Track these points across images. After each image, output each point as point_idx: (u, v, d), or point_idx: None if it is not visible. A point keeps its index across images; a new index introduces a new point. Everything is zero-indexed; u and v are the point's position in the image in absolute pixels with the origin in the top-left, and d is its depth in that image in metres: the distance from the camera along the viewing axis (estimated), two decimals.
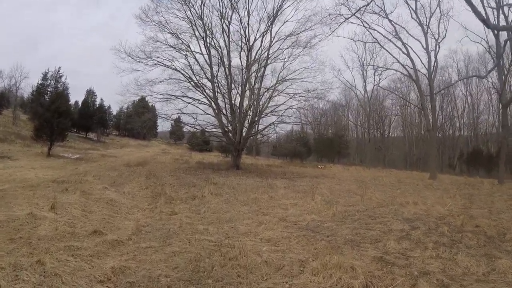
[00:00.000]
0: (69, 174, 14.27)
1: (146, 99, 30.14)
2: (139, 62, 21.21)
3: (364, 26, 24.87)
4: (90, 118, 46.52)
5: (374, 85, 43.94)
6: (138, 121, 26.26)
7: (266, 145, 46.23)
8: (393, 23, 24.27)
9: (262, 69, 22.79)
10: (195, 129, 25.23)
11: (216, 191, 11.35)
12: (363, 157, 56.58)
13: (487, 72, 17.65)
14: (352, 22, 26.25)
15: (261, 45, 22.35)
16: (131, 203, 9.11)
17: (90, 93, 52.21)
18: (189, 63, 21.97)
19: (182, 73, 21.90)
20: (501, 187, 17.53)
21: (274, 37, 22.25)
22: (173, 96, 21.91)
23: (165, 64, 21.70)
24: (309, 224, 6.87)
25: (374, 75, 39.04)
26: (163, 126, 66.68)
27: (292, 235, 5.84)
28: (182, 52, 21.92)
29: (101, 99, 54.95)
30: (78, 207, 7.56)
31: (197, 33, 21.95)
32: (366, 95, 43.49)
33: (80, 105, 50.40)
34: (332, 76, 32.22)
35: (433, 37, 23.71)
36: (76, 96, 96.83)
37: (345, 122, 56.29)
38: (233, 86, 22.59)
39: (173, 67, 21.76)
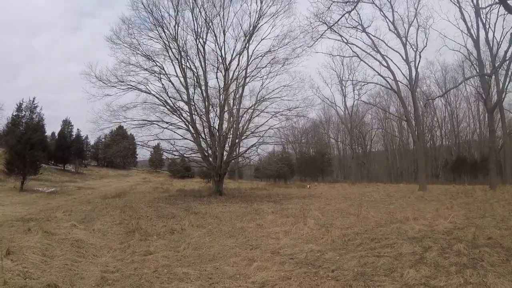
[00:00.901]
0: (39, 211, 13.17)
1: (124, 128, 28.74)
2: (111, 86, 20.10)
3: (342, 41, 24.83)
4: (67, 150, 45.21)
5: (354, 101, 44.04)
6: (115, 150, 24.79)
7: (249, 168, 45.27)
8: (371, 36, 24.26)
9: (241, 89, 22.08)
10: (173, 156, 24.02)
11: (198, 222, 10.21)
12: (346, 174, 56.32)
13: (492, 70, 17.28)
14: (329, 38, 26.35)
15: (238, 65, 21.73)
16: (101, 243, 7.88)
17: (67, 124, 50.22)
18: (163, 86, 21.02)
19: (157, 97, 20.87)
20: (495, 193, 17.07)
21: (251, 56, 21.69)
22: (148, 122, 20.80)
23: (138, 88, 20.63)
24: (307, 256, 5.85)
25: (354, 90, 39.01)
26: (142, 154, 64.75)
27: (291, 274, 4.78)
28: (156, 75, 20.98)
29: (78, 129, 53.42)
30: (38, 252, 6.33)
31: (171, 55, 21.16)
32: (346, 111, 43.42)
33: (56, 136, 49.05)
34: (311, 94, 31.48)
35: (411, 48, 23.72)
36: (55, 127, 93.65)
37: (326, 140, 56.05)
38: (211, 108, 21.71)
39: (147, 91, 20.72)
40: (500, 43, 21.34)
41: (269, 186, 35.00)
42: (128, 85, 20.51)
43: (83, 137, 51.98)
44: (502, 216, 9.74)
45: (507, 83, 19.92)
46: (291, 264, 5.41)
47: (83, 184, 33.37)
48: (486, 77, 20.72)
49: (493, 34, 21.69)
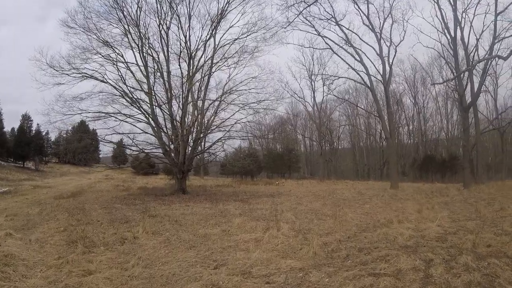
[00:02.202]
0: None
1: (87, 123, 26.38)
2: (64, 74, 17.97)
3: (315, 33, 23.94)
4: (27, 146, 42.06)
5: (323, 97, 43.45)
6: (76, 146, 22.58)
7: (215, 164, 43.70)
8: (344, 29, 23.46)
9: (206, 79, 20.54)
10: (132, 151, 22.13)
11: (154, 228, 8.75)
12: (313, 170, 55.98)
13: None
14: (301, 30, 25.34)
15: (204, 53, 20.15)
16: (35, 258, 6.32)
17: (26, 118, 46.08)
18: (121, 76, 19.01)
19: (115, 87, 18.89)
20: (470, 192, 16.69)
21: (218, 44, 20.22)
22: (105, 114, 18.86)
23: (94, 77, 18.55)
24: (288, 279, 4.57)
25: (324, 85, 38.13)
26: (106, 150, 61.11)
27: None
28: (115, 63, 19.03)
29: (38, 124, 49.33)
30: None
31: (132, 41, 19.25)
32: (315, 107, 42.69)
33: (16, 132, 45.71)
34: (280, 88, 30.21)
35: (385, 44, 23.12)
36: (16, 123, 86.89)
37: (293, 136, 55.38)
38: (174, 100, 20.07)
39: (104, 80, 18.67)
40: (477, 42, 21.32)
41: (235, 183, 33.63)
42: (83, 73, 18.46)
43: (43, 133, 48.06)
44: (491, 219, 9.00)
45: (484, 81, 19.90)
46: None
47: (41, 182, 31.12)
48: (461, 75, 20.54)
49: (469, 33, 21.62)
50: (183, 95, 19.75)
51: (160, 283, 4.75)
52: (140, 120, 19.78)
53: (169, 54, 19.88)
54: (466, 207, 11.70)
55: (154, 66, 19.76)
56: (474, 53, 21.69)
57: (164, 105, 19.30)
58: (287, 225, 8.20)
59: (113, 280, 4.98)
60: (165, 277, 4.95)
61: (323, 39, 24.51)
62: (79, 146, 22.91)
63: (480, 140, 24.13)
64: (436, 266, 4.84)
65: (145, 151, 21.02)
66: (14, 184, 25.81)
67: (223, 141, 20.91)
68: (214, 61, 20.48)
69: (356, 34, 24.37)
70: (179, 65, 19.20)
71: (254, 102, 20.31)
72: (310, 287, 4.27)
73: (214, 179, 44.47)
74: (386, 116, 24.47)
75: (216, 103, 21.22)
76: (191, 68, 19.80)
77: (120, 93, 19.11)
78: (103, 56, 18.67)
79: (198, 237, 7.69)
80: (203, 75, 20.44)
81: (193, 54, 19.60)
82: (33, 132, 46.49)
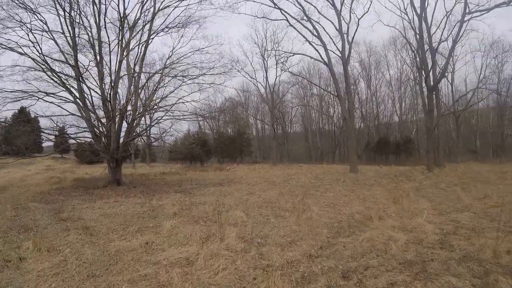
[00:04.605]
0: None
1: (27, 109, 22.18)
2: None
3: (270, 5, 21.66)
4: None
5: (276, 77, 41.45)
6: (15, 136, 18.50)
7: (162, 150, 40.55)
8: (301, 0, 21.35)
9: (142, 50, 17.52)
10: (49, 135, 18.49)
11: (52, 242, 6.21)
12: (266, 154, 54.45)
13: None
14: (255, 1, 22.91)
15: (141, 14, 17.02)
16: None
17: None
18: (39, 45, 15.44)
19: (33, 59, 15.32)
20: (436, 176, 15.64)
21: (158, 8, 17.23)
22: (23, 94, 15.32)
23: (11, 48, 14.88)
24: None
25: (277, 65, 35.85)
26: (48, 140, 54.80)
27: None
28: (38, 33, 15.44)
29: None
30: None
31: (58, 6, 15.73)
32: (268, 88, 40.43)
33: None
34: (228, 64, 27.30)
35: (344, 21, 21.33)
36: None
37: (245, 119, 53.14)
38: (109, 77, 16.90)
39: (23, 52, 15.04)
40: (442, 20, 20.46)
41: (183, 169, 30.99)
42: None
43: None
44: (481, 210, 7.51)
45: (452, 61, 19.06)
46: None
47: None
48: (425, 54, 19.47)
49: (433, 11, 20.56)
50: (115, 68, 16.67)
51: None
52: (67, 100, 16.50)
53: (100, 19, 16.59)
54: (443, 193, 10.34)
55: (82, 33, 16.45)
56: (444, 29, 20.69)
57: (88, 80, 16.09)
58: (235, 229, 6.00)
59: None
60: None
61: (280, 11, 22.22)
62: (18, 134, 18.89)
63: (441, 122, 23.41)
64: None
65: (69, 135, 17.64)
66: None
67: (161, 121, 18.19)
68: (155, 29, 17.57)
69: (315, 7, 22.45)
70: (105, 32, 15.97)
71: (198, 75, 17.66)
72: None
73: (162, 165, 41.34)
74: (345, 96, 22.93)
75: (156, 79, 18.42)
76: (123, 34, 16.67)
77: (41, 66, 15.63)
78: (23, 24, 14.99)
79: (106, 255, 5.28)
80: (139, 44, 17.42)
81: (125, 16, 16.40)
82: None
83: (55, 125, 16.95)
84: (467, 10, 19.03)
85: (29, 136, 18.13)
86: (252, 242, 5.40)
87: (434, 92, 20.53)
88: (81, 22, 16.41)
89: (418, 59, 23.01)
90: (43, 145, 49.65)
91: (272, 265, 4.22)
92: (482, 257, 4.36)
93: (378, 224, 6.16)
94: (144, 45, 17.39)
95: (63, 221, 8.28)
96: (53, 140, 19.78)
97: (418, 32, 20.11)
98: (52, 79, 16.15)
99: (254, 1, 22.63)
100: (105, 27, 16.18)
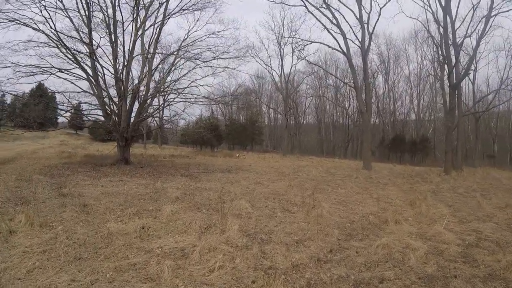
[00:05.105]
0: None
1: (45, 86, 22.05)
2: None
3: None
4: None
5: (291, 66, 40.49)
6: (32, 110, 18.40)
7: (172, 133, 40.33)
8: None
9: (158, 30, 17.06)
10: (66, 112, 18.24)
11: (46, 217, 5.94)
12: (277, 144, 53.88)
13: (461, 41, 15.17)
14: None
15: None
16: None
17: None
18: (51, 23, 15.07)
19: (48, 36, 14.95)
20: (454, 180, 14.94)
21: None
22: (37, 69, 15.04)
23: (26, 23, 14.51)
24: None
25: (293, 53, 34.86)
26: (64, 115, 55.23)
27: None
28: (50, 10, 15.03)
29: None
30: None
31: None
32: (283, 77, 39.48)
33: None
34: (243, 48, 26.45)
35: (364, 10, 20.39)
36: None
37: (258, 107, 52.46)
38: (119, 53, 16.50)
39: (38, 28, 14.64)
40: (467, 14, 19.45)
41: (193, 153, 30.71)
42: (10, 18, 14.35)
43: None
44: (503, 220, 6.93)
45: (476, 57, 18.09)
46: None
47: None
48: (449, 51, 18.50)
49: (457, 6, 19.51)
50: (129, 48, 16.28)
51: None
52: (81, 77, 16.23)
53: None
54: (461, 199, 9.71)
55: (96, 12, 16.07)
56: (469, 24, 19.63)
57: (102, 58, 15.73)
58: (238, 221, 5.58)
59: None
60: None
61: None
62: (34, 109, 18.83)
63: (461, 122, 22.40)
64: None
65: (82, 112, 17.43)
66: None
67: (177, 106, 17.95)
68: (170, 11, 17.09)
69: None
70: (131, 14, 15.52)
71: (212, 58, 17.13)
72: None
73: (172, 148, 41.23)
74: (362, 88, 22.13)
75: (170, 62, 17.99)
76: (138, 14, 16.22)
77: (55, 43, 15.32)
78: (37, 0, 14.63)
79: (98, 237, 4.93)
80: (154, 25, 16.97)
81: None
82: None
83: (68, 101, 16.77)
84: (494, 5, 18.06)
85: (45, 111, 18.01)
86: (255, 237, 4.96)
87: (456, 90, 19.53)
88: (96, 1, 16.08)
89: (440, 54, 21.95)
90: (59, 120, 50.22)
91: (275, 268, 3.79)
92: (510, 277, 3.86)
93: (394, 229, 5.66)
94: (159, 26, 16.94)
95: (63, 196, 8.02)
96: (66, 117, 19.41)
97: (442, 25, 19.06)
98: (67, 56, 15.93)
99: None
100: (119, 7, 15.72)
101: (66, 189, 8.88)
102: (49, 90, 17.66)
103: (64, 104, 16.96)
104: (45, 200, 7.55)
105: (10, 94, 17.42)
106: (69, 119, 19.46)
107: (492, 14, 18.38)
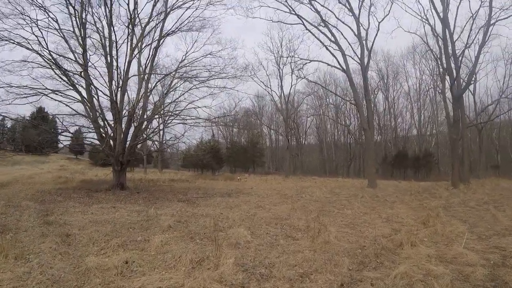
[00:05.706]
0: None
1: (46, 110, 21.82)
2: None
3: (286, 10, 20.94)
4: None
5: (291, 86, 40.44)
6: (32, 134, 18.09)
7: (171, 157, 39.81)
8: (318, 6, 20.59)
9: (153, 50, 16.81)
10: (62, 135, 17.75)
11: (25, 248, 5.40)
12: (279, 165, 53.23)
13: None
14: (270, 6, 22.60)
15: (151, 16, 16.35)
16: None
17: None
18: (44, 43, 14.84)
19: (41, 55, 14.66)
20: (463, 193, 14.33)
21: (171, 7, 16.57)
22: (30, 90, 14.76)
23: (19, 43, 14.31)
24: None
25: (292, 73, 34.73)
26: (66, 140, 55.01)
27: None
28: (50, 30, 14.90)
29: None
30: None
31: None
32: (282, 98, 39.26)
33: None
34: (241, 68, 26.24)
35: (362, 27, 20.33)
36: None
37: (259, 129, 52.14)
38: (115, 74, 16.19)
39: (31, 48, 14.40)
40: (465, 24, 19.26)
41: (193, 177, 30.13)
42: (3, 37, 14.12)
43: None
44: None
45: (477, 68, 17.79)
46: None
47: None
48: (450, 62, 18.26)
49: (455, 18, 19.43)
50: (125, 68, 15.98)
51: None
52: (75, 99, 15.90)
53: (112, 18, 16.00)
54: (475, 213, 9.22)
55: (93, 30, 15.93)
56: (468, 35, 19.39)
57: (97, 80, 15.43)
58: (235, 253, 4.95)
59: None
60: None
61: (296, 15, 21.41)
62: (34, 133, 18.45)
63: (465, 134, 21.90)
64: None
65: (75, 136, 17.00)
66: None
67: (176, 129, 17.57)
68: (166, 31, 16.93)
69: (332, 11, 21.63)
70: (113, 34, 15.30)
71: (209, 77, 16.88)
72: None
73: (173, 172, 40.65)
74: (364, 105, 21.75)
75: (167, 83, 17.73)
76: (133, 34, 16.01)
77: (48, 63, 15.06)
78: (34, 21, 14.44)
79: (74, 274, 4.32)
80: (151, 45, 16.76)
81: (138, 15, 15.77)
82: None
83: (61, 124, 16.34)
84: (492, 14, 17.97)
85: (45, 135, 17.65)
86: (253, 272, 4.30)
87: (458, 102, 19.21)
88: (92, 22, 15.96)
89: (440, 67, 21.74)
90: (60, 145, 49.74)
91: None
92: None
93: (410, 253, 5.02)
94: (154, 47, 16.71)
95: (47, 224, 7.44)
96: (61, 141, 18.99)
97: (441, 37, 18.91)
98: (61, 78, 15.65)
99: (269, 7, 22.12)
100: (113, 27, 15.57)
101: (52, 217, 8.34)
102: (49, 114, 17.22)
103: (59, 128, 16.64)
104: (28, 228, 6.99)
105: (6, 117, 16.94)
106: (63, 144, 18.90)
107: (491, 22, 18.26)
